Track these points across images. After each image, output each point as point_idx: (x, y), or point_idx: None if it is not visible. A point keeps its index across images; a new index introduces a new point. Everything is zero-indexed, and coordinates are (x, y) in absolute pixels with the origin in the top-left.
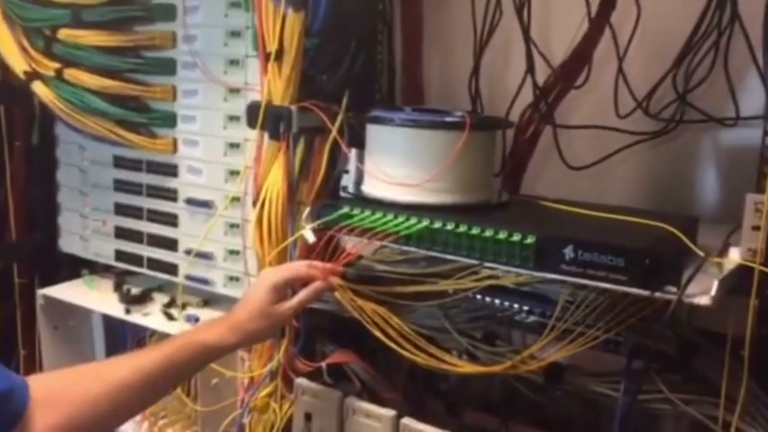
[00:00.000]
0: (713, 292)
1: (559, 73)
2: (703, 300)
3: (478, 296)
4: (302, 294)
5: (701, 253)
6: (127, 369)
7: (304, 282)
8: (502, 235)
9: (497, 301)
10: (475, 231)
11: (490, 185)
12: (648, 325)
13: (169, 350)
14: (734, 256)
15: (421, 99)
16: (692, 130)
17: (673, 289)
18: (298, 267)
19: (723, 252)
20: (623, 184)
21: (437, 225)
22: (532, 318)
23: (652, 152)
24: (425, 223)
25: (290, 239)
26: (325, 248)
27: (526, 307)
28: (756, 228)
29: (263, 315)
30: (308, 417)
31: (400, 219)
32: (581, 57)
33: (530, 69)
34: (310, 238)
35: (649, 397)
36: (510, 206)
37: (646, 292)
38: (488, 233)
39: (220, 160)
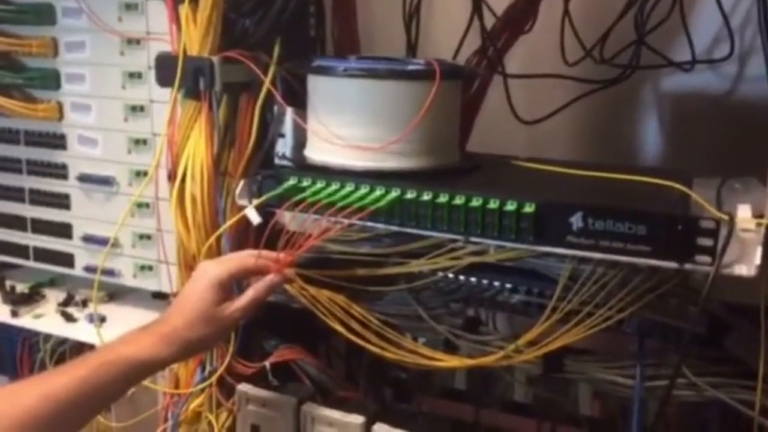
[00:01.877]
0: (757, 259)
1: (507, 18)
2: (745, 270)
3: (460, 276)
4: (252, 291)
5: (723, 216)
6: (33, 397)
7: (253, 276)
8: (493, 204)
9: (480, 281)
10: (459, 200)
11: (457, 145)
12: (666, 301)
13: (84, 371)
14: (746, 213)
15: (357, 49)
16: (646, 77)
17: (707, 258)
18: (244, 258)
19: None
20: (572, 136)
21: (411, 195)
22: (524, 299)
23: (604, 102)
24: (395, 193)
25: (230, 221)
26: (268, 232)
27: (521, 287)
28: None
29: (205, 320)
30: (255, 429)
31: (364, 190)
32: None
33: (477, 10)
34: (255, 218)
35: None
36: (484, 169)
37: (674, 264)
38: (475, 202)
39: (119, 127)
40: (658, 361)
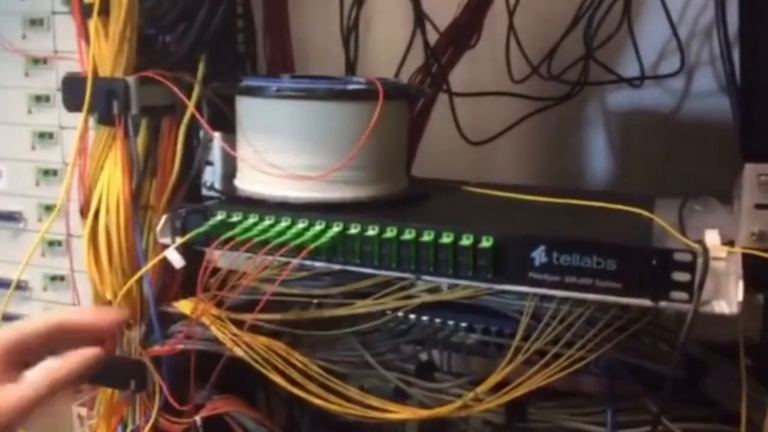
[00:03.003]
0: (739, 295)
1: (450, 33)
2: (726, 307)
3: (410, 315)
4: (46, 369)
5: (694, 245)
6: None
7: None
8: (446, 238)
9: (432, 320)
10: (408, 235)
11: (405, 172)
12: (638, 339)
13: None
14: (715, 240)
15: (291, 67)
16: (594, 94)
17: (684, 295)
18: (48, 321)
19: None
20: (520, 157)
21: (354, 230)
22: (481, 338)
23: (552, 120)
24: (337, 228)
25: (151, 263)
26: (203, 272)
27: (477, 325)
28: (762, 206)
29: None
30: None
31: (301, 225)
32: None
33: (420, 24)
34: (177, 261)
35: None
36: (433, 197)
37: (647, 302)
38: (427, 237)
39: (25, 157)
40: (630, 406)
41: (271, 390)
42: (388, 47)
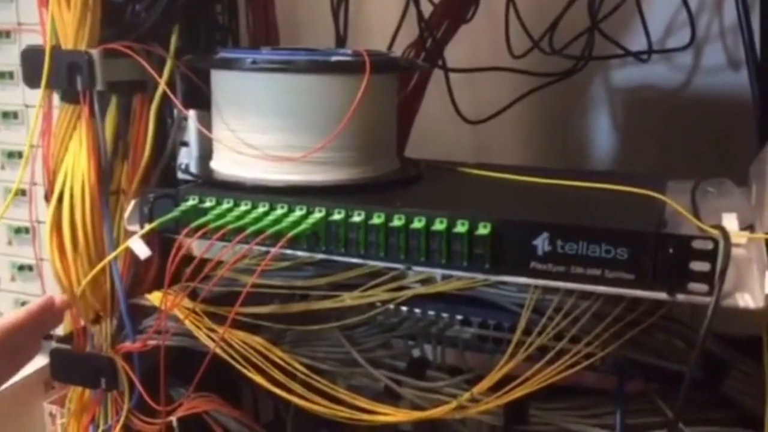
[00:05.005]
0: (766, 288)
1: (446, 5)
2: (750, 301)
3: (401, 308)
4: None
5: (714, 231)
6: None
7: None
8: (440, 225)
9: (425, 312)
10: (397, 221)
11: (395, 152)
12: (650, 335)
13: None
14: (733, 226)
15: (276, 40)
16: (598, 70)
17: (703, 287)
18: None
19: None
20: (520, 136)
21: (338, 216)
22: (478, 332)
23: (554, 96)
24: (319, 214)
25: (115, 252)
26: (172, 260)
27: (473, 318)
28: None
29: None
30: None
31: (281, 211)
32: None
33: None
34: (142, 252)
35: None
36: (426, 179)
37: (663, 295)
38: (418, 223)
39: None
40: (641, 407)
41: (257, 386)
42: (380, 21)
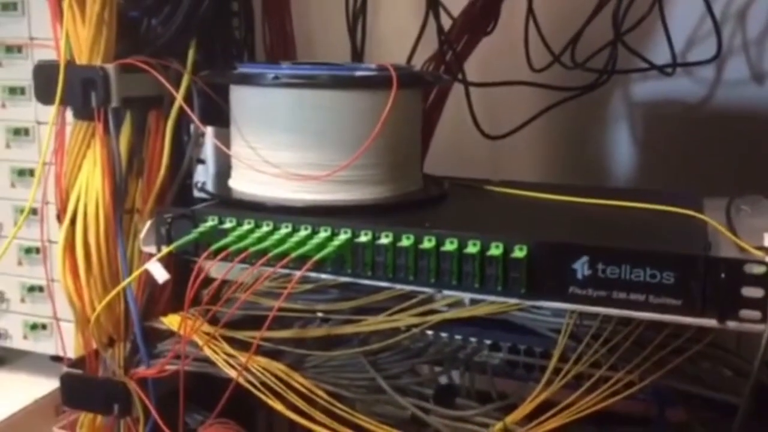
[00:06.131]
0: None
1: (465, 18)
2: None
3: (427, 332)
4: None
5: (758, 253)
6: None
7: None
8: (473, 248)
9: (452, 336)
10: (428, 243)
11: (420, 170)
12: (694, 364)
13: None
14: None
15: (293, 54)
16: (619, 84)
17: (756, 314)
18: None
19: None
20: (541, 152)
21: (365, 238)
22: (508, 357)
23: (576, 111)
24: (345, 236)
25: (133, 275)
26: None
27: (503, 343)
28: None
29: None
30: None
31: (304, 232)
32: None
33: (433, 8)
34: (160, 276)
35: None
36: (453, 197)
37: (713, 323)
38: (450, 246)
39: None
40: None
41: (274, 414)
42: (398, 35)
